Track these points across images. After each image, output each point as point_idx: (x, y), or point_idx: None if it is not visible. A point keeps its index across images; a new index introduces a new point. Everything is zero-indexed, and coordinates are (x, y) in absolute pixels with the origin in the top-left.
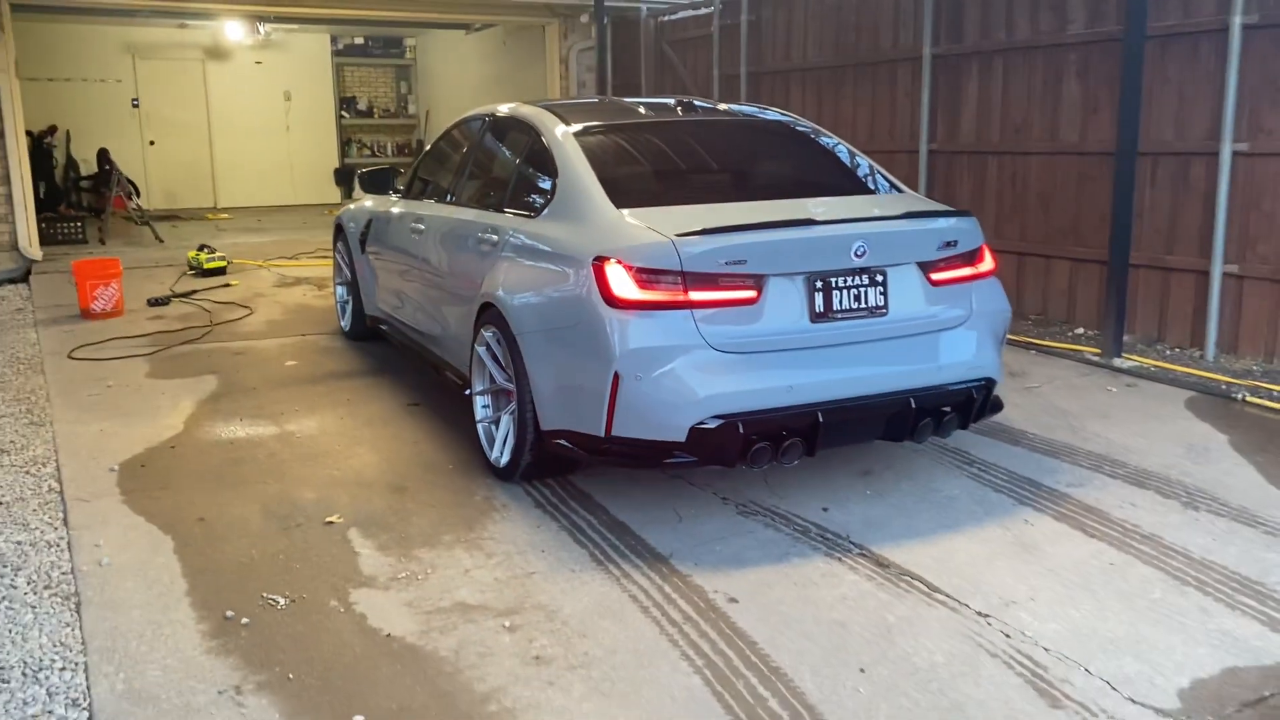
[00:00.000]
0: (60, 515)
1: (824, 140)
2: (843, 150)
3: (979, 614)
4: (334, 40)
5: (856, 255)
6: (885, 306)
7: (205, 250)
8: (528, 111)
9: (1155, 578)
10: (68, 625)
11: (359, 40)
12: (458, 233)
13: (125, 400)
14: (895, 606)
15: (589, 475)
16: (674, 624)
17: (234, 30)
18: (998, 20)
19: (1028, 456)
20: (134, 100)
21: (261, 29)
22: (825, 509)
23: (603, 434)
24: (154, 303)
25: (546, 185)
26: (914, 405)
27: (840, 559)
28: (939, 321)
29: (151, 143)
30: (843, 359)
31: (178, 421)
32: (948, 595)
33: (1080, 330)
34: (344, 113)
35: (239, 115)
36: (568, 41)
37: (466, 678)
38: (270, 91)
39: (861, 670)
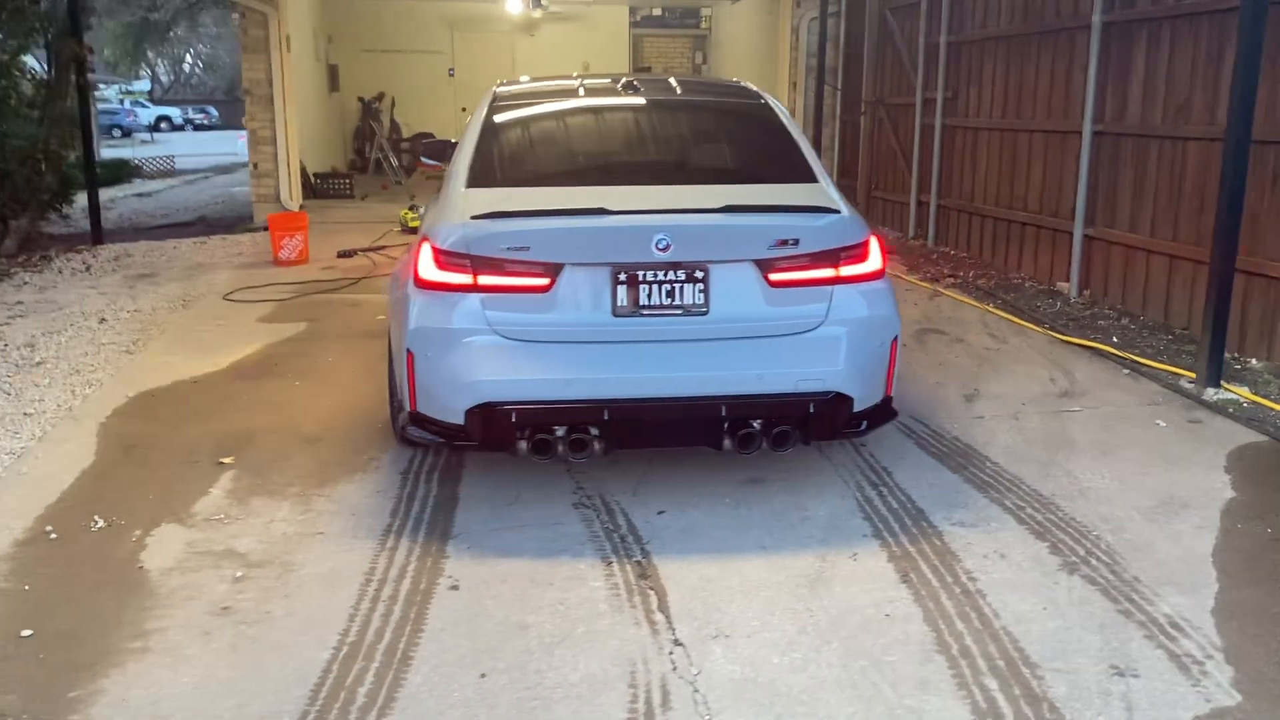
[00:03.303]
0: (47, 429)
1: (760, 125)
2: (774, 135)
3: (675, 641)
4: (632, 12)
5: (659, 249)
6: (706, 305)
7: (413, 209)
8: (494, 88)
9: (917, 639)
10: None
11: (657, 11)
12: None
13: (214, 339)
14: (600, 619)
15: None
16: (373, 600)
17: (513, 4)
18: None
19: (953, 486)
20: (450, 70)
21: (536, 2)
22: (661, 512)
23: (410, 408)
24: (342, 254)
25: None
26: (724, 413)
27: (609, 563)
28: (780, 326)
29: (464, 110)
30: (643, 357)
31: (226, 361)
32: (666, 616)
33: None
34: None
35: None
36: (800, 10)
37: (147, 615)
38: (571, 63)
39: (482, 675)
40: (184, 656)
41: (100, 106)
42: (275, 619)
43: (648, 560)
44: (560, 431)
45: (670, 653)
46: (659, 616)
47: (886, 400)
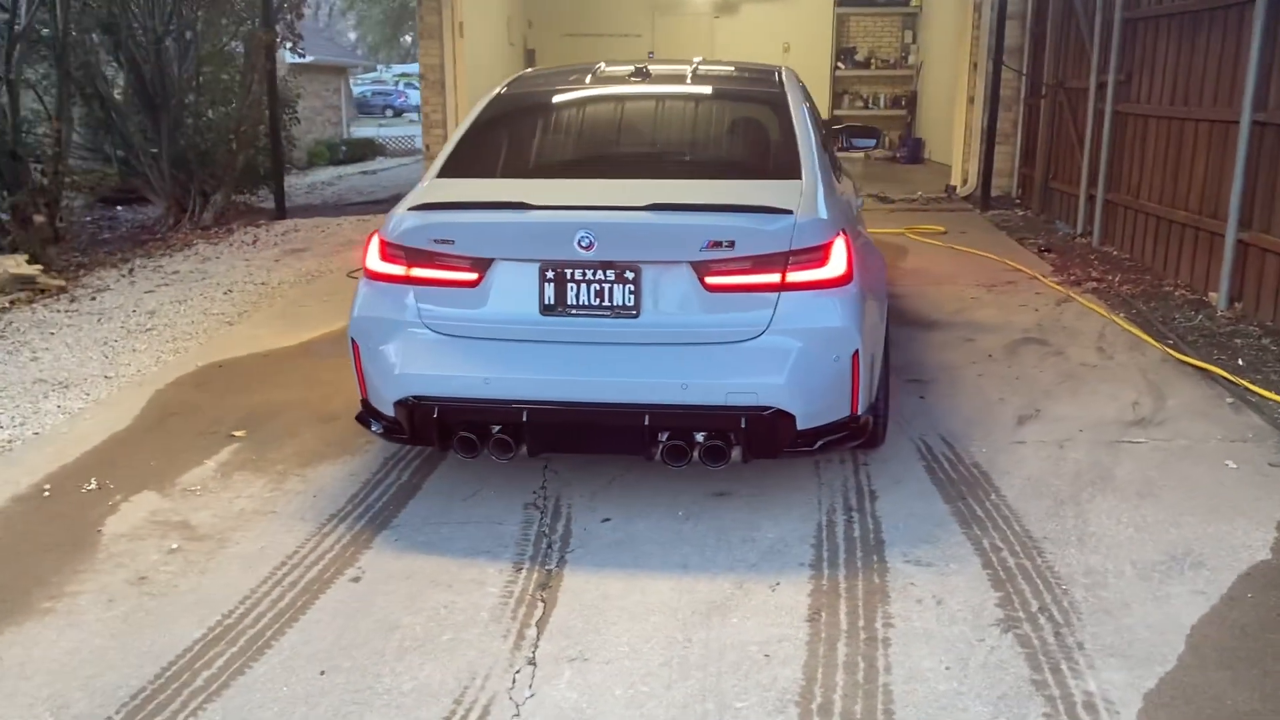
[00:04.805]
0: (105, 394)
1: (761, 116)
2: (771, 129)
3: (530, 659)
4: None
5: (582, 246)
6: (636, 307)
7: None
8: (516, 75)
9: (783, 686)
10: None
11: None
12: None
13: (313, 314)
14: (472, 628)
15: None
16: (274, 585)
17: None
18: None
19: (936, 518)
20: (650, 54)
21: None
22: (607, 520)
23: (361, 398)
24: None
25: None
26: (648, 423)
27: (523, 569)
28: (716, 333)
29: None
30: (566, 358)
31: (307, 336)
32: (539, 632)
33: None
34: (839, 64)
35: None
36: None
37: (74, 578)
38: (771, 44)
39: (322, 672)
40: (78, 622)
41: (375, 88)
42: (178, 594)
43: (559, 569)
44: (494, 430)
45: (517, 671)
46: (531, 631)
47: (852, 419)
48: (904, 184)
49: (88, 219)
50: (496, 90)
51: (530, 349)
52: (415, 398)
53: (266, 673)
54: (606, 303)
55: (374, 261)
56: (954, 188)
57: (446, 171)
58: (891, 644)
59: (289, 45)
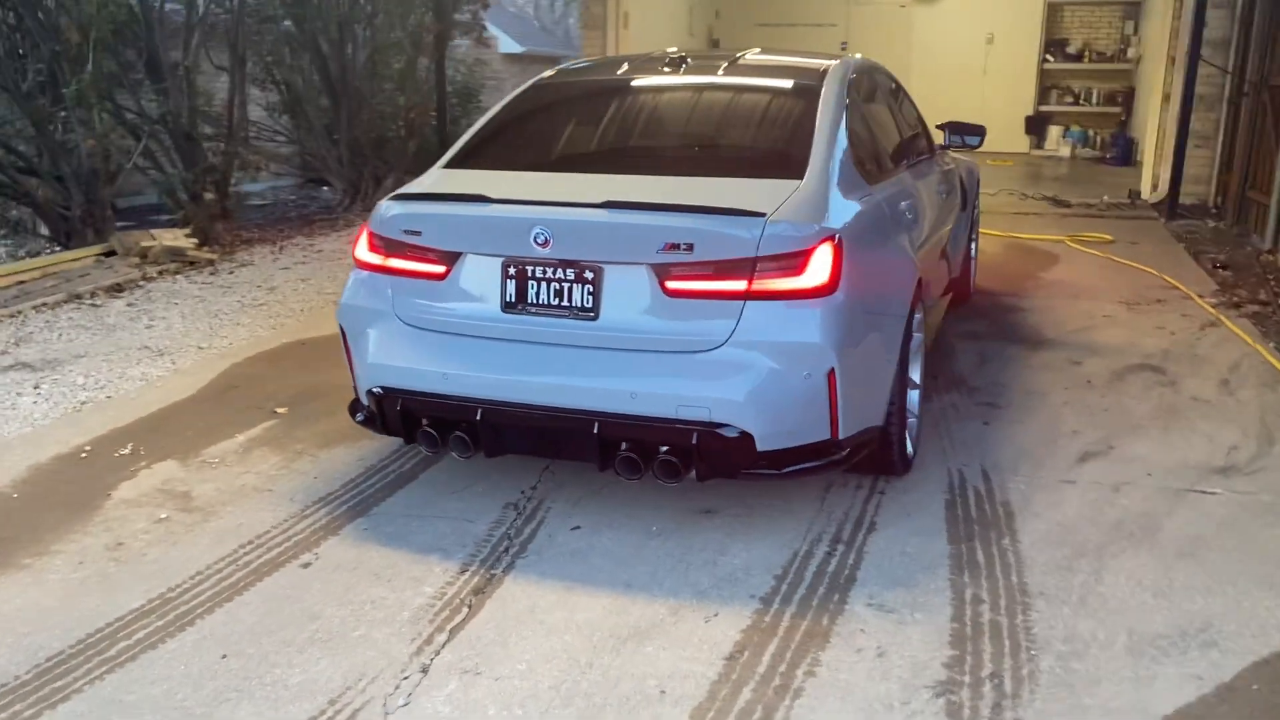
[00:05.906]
0: (188, 364)
1: (781, 113)
2: (787, 126)
3: (423, 667)
4: None
5: (538, 243)
6: (595, 309)
7: None
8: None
9: None
10: (29, 426)
11: None
12: None
13: None
14: (386, 626)
15: None
16: (228, 563)
17: None
18: None
19: (929, 559)
20: (843, 44)
21: None
22: (576, 528)
23: (353, 387)
24: None
25: None
26: (597, 431)
27: (468, 570)
28: (673, 341)
29: None
30: (521, 358)
31: None
32: (449, 637)
33: None
34: (1049, 56)
35: (938, 58)
36: None
37: (63, 537)
38: (973, 35)
39: (223, 656)
40: (42, 580)
41: None
42: (142, 563)
43: (503, 575)
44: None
45: (406, 677)
46: (441, 636)
47: (832, 444)
48: (1098, 187)
49: (292, 198)
50: (533, 80)
51: (489, 346)
52: (383, 388)
53: (175, 650)
54: (566, 303)
55: (361, 251)
56: (1138, 193)
57: (454, 163)
58: (803, 695)
59: (474, 36)
